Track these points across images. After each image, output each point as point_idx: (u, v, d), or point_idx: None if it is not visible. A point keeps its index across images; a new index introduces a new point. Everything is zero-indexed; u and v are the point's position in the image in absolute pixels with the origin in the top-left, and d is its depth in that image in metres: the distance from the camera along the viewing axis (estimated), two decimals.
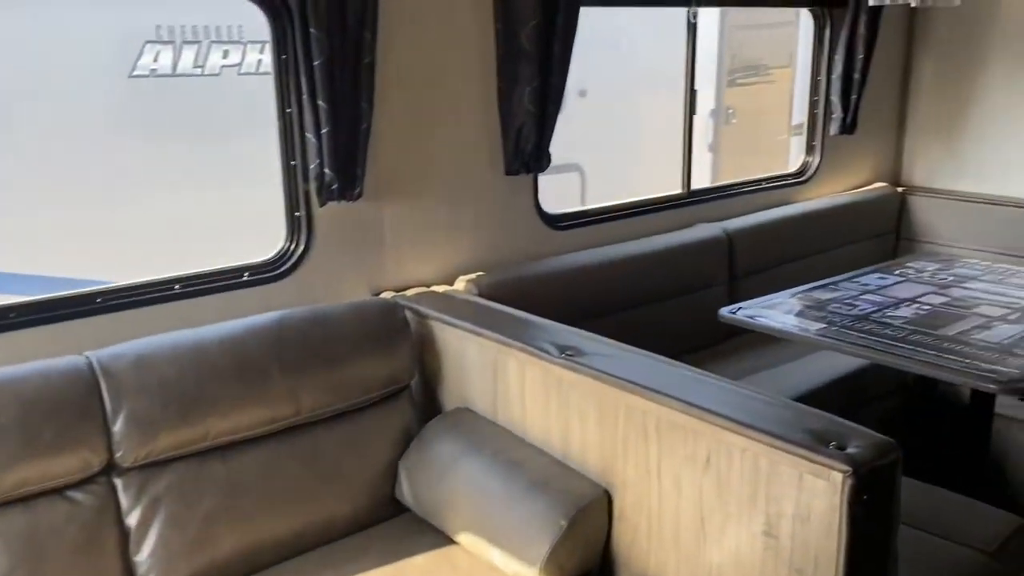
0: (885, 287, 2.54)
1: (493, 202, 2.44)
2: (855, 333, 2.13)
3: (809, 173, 3.45)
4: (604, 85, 5.61)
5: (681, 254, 2.82)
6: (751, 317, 2.27)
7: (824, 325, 2.19)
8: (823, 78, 3.36)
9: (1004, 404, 2.41)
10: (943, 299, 2.40)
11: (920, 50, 3.63)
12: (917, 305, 2.35)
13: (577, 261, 2.58)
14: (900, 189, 3.64)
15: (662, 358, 1.77)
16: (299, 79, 1.96)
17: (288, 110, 2.05)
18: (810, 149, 3.46)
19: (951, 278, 2.62)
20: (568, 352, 1.75)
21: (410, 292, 2.24)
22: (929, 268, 2.74)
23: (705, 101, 5.68)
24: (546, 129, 2.39)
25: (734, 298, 2.97)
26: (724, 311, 2.31)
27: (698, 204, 3.06)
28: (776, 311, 2.32)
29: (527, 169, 2.39)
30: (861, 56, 3.25)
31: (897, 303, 2.37)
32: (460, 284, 2.32)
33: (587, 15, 2.36)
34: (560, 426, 1.76)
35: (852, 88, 3.29)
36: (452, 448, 1.86)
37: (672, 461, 1.56)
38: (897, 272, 2.69)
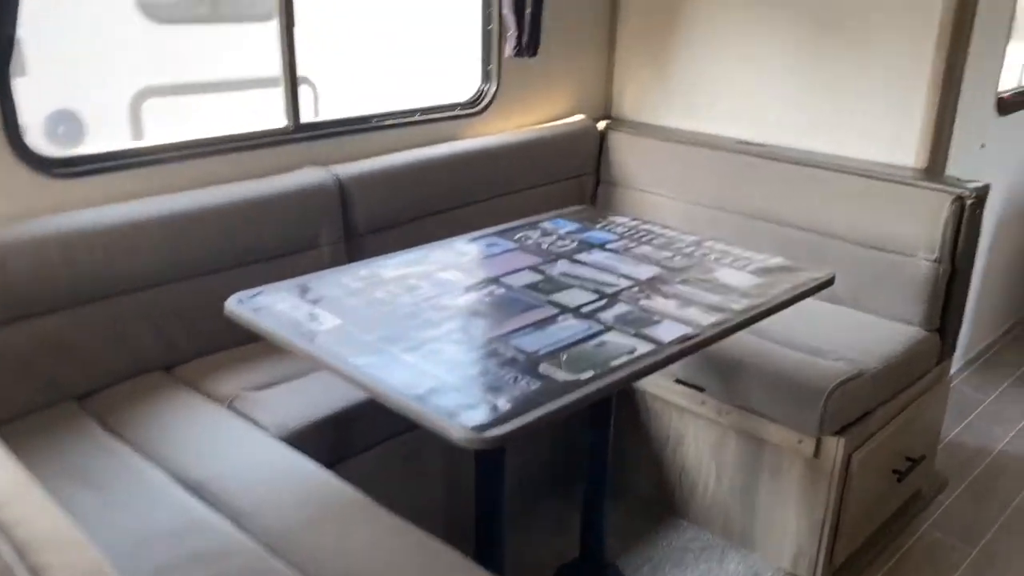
0: (486, 259, 2.03)
1: None
2: (367, 337, 1.60)
3: (485, 102, 2.88)
4: None
5: (259, 210, 2.21)
6: (257, 311, 1.70)
7: (340, 321, 1.66)
8: None
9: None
10: (535, 278, 1.91)
11: None
12: (494, 287, 1.85)
13: (81, 223, 1.94)
14: (603, 123, 3.14)
15: None
16: None
17: None
18: (485, 74, 2.89)
19: (575, 244, 2.13)
20: None
21: None
22: (562, 229, 2.25)
23: None
24: None
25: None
26: (232, 301, 1.74)
27: (316, 140, 2.45)
28: (304, 298, 1.76)
29: None
30: None
31: (471, 285, 1.86)
32: None
33: None
34: None
35: (526, 1, 2.71)
36: None
37: None
38: (517, 236, 2.19)
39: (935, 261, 2.42)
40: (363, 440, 1.98)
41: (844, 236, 2.58)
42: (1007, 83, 3.14)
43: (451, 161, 2.67)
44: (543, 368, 1.48)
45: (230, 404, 1.98)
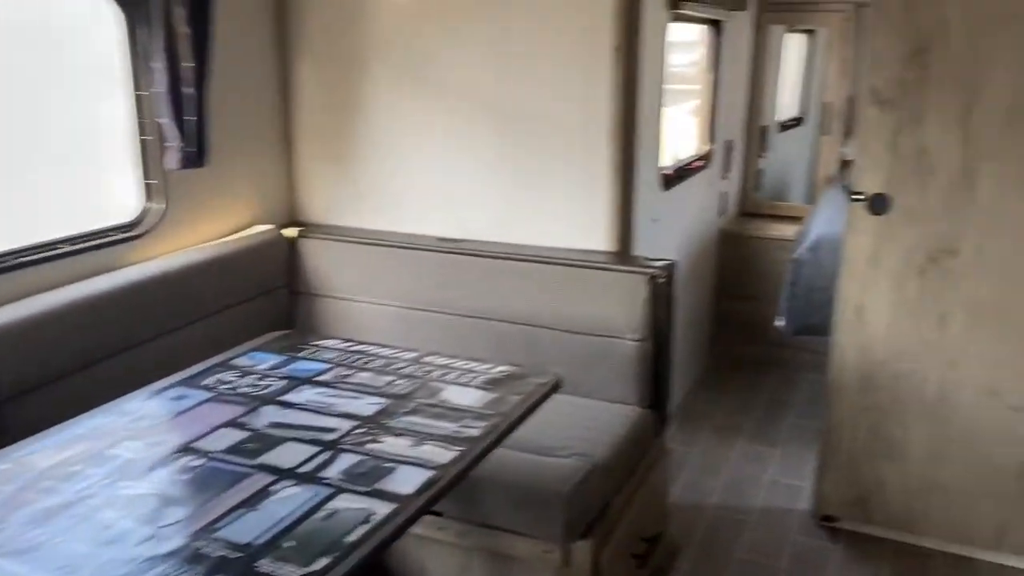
0: (173, 419, 1.69)
1: None
2: (21, 569, 1.20)
3: (150, 223, 2.51)
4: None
5: None
6: None
7: None
8: (148, 94, 2.44)
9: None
10: (238, 436, 1.61)
11: (298, 55, 2.91)
12: (188, 457, 1.52)
13: None
14: (292, 231, 2.90)
15: None
16: None
17: None
18: (147, 191, 2.53)
19: (281, 383, 1.86)
20: None
21: None
22: (262, 365, 1.96)
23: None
24: None
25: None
26: None
27: None
28: None
29: None
30: (192, 65, 2.39)
31: (157, 460, 1.51)
32: None
33: None
34: None
35: (186, 108, 2.42)
36: None
37: None
38: (209, 382, 1.86)
39: (640, 340, 2.48)
40: None
41: (554, 325, 2.57)
42: (665, 161, 3.41)
43: (114, 295, 2.26)
44: (265, 566, 1.19)
45: None
